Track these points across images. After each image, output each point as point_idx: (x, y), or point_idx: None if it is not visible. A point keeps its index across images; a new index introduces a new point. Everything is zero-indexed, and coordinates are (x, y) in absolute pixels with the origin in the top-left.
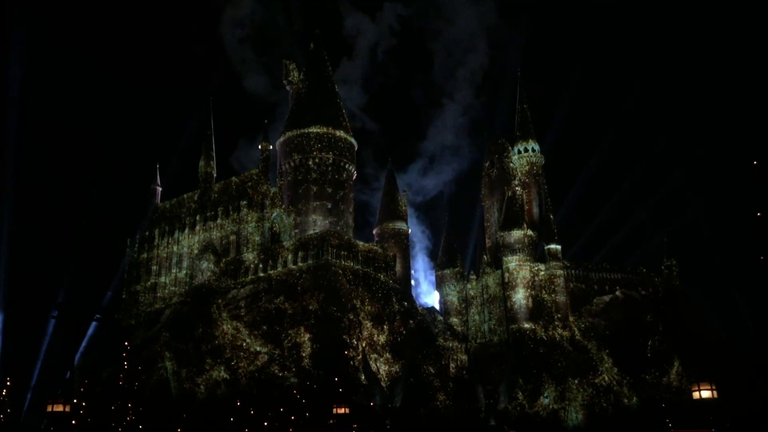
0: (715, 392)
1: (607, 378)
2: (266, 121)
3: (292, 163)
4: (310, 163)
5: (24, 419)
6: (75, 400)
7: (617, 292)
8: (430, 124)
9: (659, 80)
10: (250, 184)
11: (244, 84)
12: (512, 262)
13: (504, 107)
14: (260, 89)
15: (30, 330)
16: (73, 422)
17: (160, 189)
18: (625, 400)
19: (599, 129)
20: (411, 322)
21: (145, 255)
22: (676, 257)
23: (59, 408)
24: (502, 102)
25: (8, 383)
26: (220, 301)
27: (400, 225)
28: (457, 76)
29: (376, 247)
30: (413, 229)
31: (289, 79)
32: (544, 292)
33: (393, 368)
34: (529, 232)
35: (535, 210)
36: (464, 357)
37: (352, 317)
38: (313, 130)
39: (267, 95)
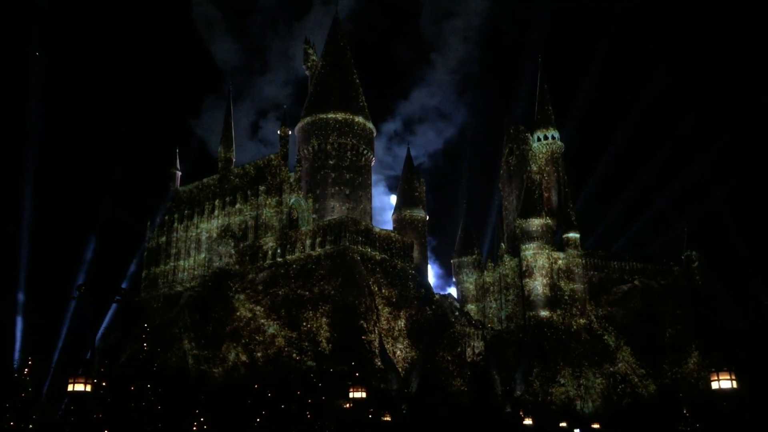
0: (734, 382)
1: (624, 367)
2: (285, 106)
3: (310, 149)
4: (329, 148)
5: (45, 398)
6: (95, 380)
7: (636, 282)
8: (414, 83)
9: (682, 66)
10: (268, 169)
11: (211, 51)
12: (530, 250)
13: (507, 73)
14: (228, 56)
15: (51, 311)
16: (94, 402)
17: (179, 173)
18: (643, 390)
19: (620, 116)
20: (428, 308)
21: (164, 238)
22: (696, 247)
23: (80, 387)
24: (505, 66)
25: (30, 363)
26: (238, 285)
27: (417, 212)
28: (448, 28)
29: (393, 234)
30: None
31: (308, 63)
32: (562, 280)
33: (410, 354)
34: (548, 220)
35: (554, 198)
36: (481, 344)
37: (369, 303)
38: (332, 115)
39: (235, 62)
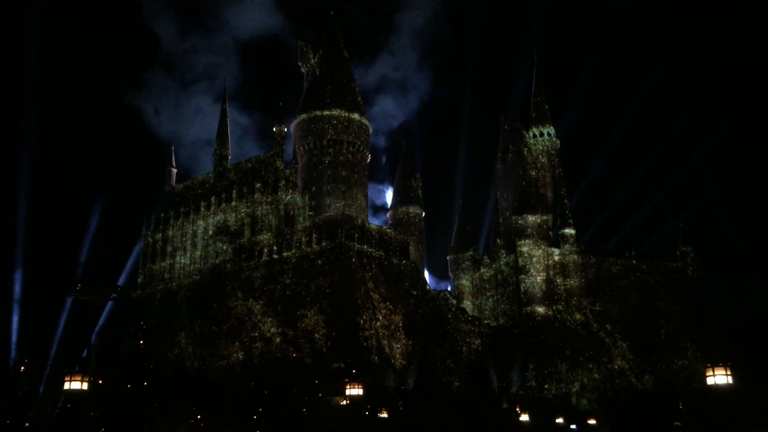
0: (730, 377)
1: (620, 362)
2: (281, 103)
3: (306, 146)
4: (325, 145)
5: (41, 396)
6: (92, 378)
7: (632, 277)
8: (373, 49)
9: (677, 62)
10: (264, 166)
11: (155, 30)
12: (526, 246)
13: (502, 69)
14: (171, 37)
15: (48, 309)
16: (90, 399)
17: (175, 171)
18: (639, 385)
19: (615, 112)
20: (424, 305)
21: (160, 236)
22: (692, 242)
23: (77, 384)
24: (500, 62)
25: (26, 360)
26: (234, 282)
27: (414, 209)
28: None
29: (389, 231)
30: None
31: (304, 61)
32: (558, 276)
33: (406, 350)
34: (544, 217)
35: (550, 194)
36: (477, 340)
37: (365, 299)
38: (328, 112)
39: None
